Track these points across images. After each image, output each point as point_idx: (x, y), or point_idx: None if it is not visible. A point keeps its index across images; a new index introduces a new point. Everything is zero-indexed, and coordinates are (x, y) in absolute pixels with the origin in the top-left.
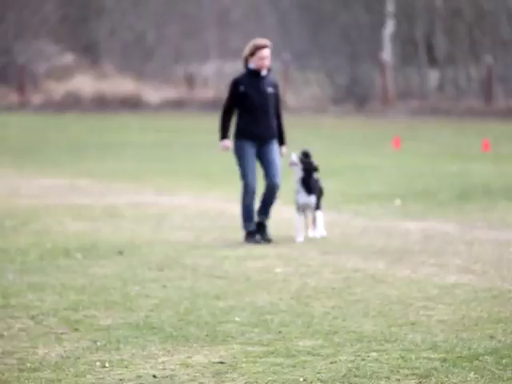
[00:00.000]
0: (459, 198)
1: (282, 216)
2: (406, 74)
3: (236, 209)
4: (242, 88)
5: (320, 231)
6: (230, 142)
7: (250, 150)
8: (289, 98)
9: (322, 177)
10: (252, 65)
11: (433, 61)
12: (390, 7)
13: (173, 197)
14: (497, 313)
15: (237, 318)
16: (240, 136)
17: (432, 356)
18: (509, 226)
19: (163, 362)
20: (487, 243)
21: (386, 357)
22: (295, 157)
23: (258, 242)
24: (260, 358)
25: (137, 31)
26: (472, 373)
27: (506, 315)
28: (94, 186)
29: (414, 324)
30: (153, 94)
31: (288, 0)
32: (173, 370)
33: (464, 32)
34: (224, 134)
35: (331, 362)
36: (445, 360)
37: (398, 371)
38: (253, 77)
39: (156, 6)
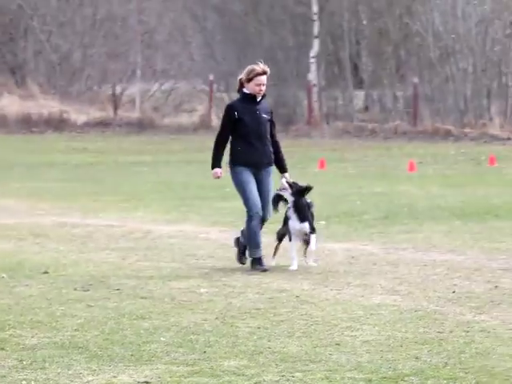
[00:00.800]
0: (384, 219)
1: (208, 236)
2: (332, 95)
3: (162, 228)
4: (236, 114)
5: (311, 258)
6: (221, 170)
7: (249, 176)
8: (213, 119)
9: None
10: (247, 90)
11: (359, 82)
12: (316, 28)
13: (98, 217)
14: (422, 333)
15: (162, 338)
16: (236, 163)
17: (357, 376)
18: (434, 246)
19: (88, 382)
20: (412, 264)
21: (311, 377)
22: (285, 181)
23: (266, 270)
24: (185, 377)
25: (62, 51)
26: None
27: (431, 336)
28: (19, 205)
29: (338, 344)
30: (78, 114)
31: (213, 21)
32: None
33: (390, 53)
34: (216, 164)
35: (256, 382)
36: (370, 380)
37: None
38: (247, 102)
39: (81, 27)
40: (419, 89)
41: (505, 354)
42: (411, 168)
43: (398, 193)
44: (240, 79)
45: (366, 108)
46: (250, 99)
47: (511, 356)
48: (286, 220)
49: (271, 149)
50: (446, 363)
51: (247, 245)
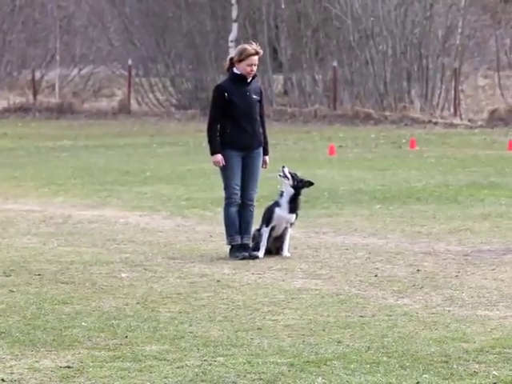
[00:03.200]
0: (305, 203)
1: (128, 221)
2: None
3: (82, 213)
4: (226, 95)
5: (286, 249)
6: (221, 157)
7: (236, 161)
8: (133, 104)
9: (167, 183)
10: (238, 70)
11: (278, 66)
12: (235, 12)
13: (18, 202)
14: (344, 317)
15: (83, 323)
16: (225, 146)
17: (279, 361)
18: (355, 230)
19: (11, 367)
20: (333, 248)
21: (233, 361)
22: (287, 171)
23: (244, 257)
24: (107, 362)
25: None
26: (320, 378)
27: (353, 320)
28: None
29: (260, 329)
30: None
31: (131, 6)
32: (21, 374)
33: (309, 36)
34: (215, 149)
35: (178, 367)
36: (292, 365)
37: (245, 376)
38: (238, 83)
39: (0, 13)
40: (338, 72)
41: (428, 338)
42: (331, 152)
43: (318, 176)
44: (231, 58)
45: (286, 92)
46: (240, 80)
47: (434, 340)
48: (272, 207)
49: (261, 130)
50: (368, 347)
51: (225, 232)
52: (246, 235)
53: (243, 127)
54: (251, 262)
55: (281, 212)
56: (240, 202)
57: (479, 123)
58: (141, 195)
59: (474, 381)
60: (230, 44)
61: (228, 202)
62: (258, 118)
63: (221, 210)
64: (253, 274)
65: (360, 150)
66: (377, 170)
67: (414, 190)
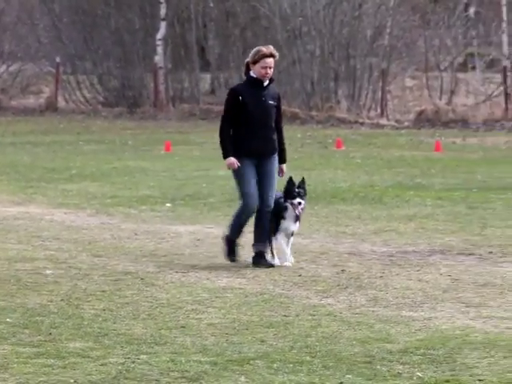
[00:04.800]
0: (230, 202)
1: (53, 218)
2: (179, 78)
3: (8, 210)
4: (241, 99)
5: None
6: (234, 159)
7: (250, 168)
8: (60, 101)
9: (93, 180)
10: (254, 73)
11: (205, 64)
12: (163, 11)
13: None
14: (268, 317)
15: (8, 319)
16: (238, 152)
17: (202, 359)
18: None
19: None
20: None
21: (156, 359)
22: (303, 205)
23: (233, 261)
24: (31, 358)
25: None
26: (243, 377)
27: (276, 319)
28: None
29: (184, 327)
30: None
31: (60, 3)
32: None
33: (237, 35)
34: (228, 152)
35: (101, 364)
36: (215, 363)
37: (168, 374)
38: (253, 87)
39: None
40: None
41: (351, 338)
42: None
43: None
44: (247, 62)
45: (213, 91)
46: (256, 84)
47: (358, 340)
48: (278, 218)
49: (275, 137)
50: (292, 347)
51: (230, 232)
52: (262, 243)
53: (256, 133)
54: (175, 260)
55: (288, 224)
56: (255, 212)
57: (406, 124)
58: (66, 192)
59: (397, 382)
60: (158, 42)
61: (244, 210)
62: (273, 124)
63: (145, 209)
64: (177, 272)
65: (286, 149)
66: (303, 169)
67: (339, 191)
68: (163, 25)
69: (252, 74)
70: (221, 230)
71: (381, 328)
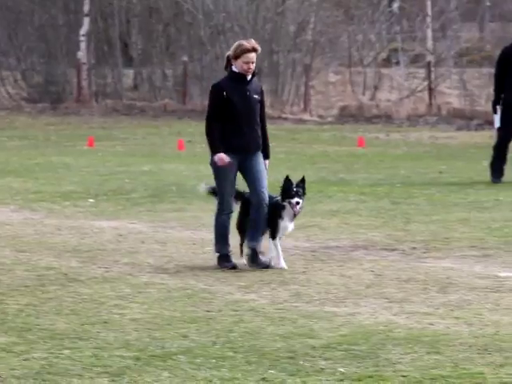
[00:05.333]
0: (153, 197)
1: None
2: (102, 74)
3: None
4: (225, 94)
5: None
6: (225, 155)
7: (232, 166)
8: None
9: (16, 176)
10: (236, 68)
11: (128, 60)
12: (87, 6)
13: None
14: (190, 312)
15: None
16: (222, 149)
17: (125, 354)
18: (203, 225)
19: None
20: (181, 243)
21: (79, 354)
22: (301, 204)
23: (234, 267)
24: None
25: None
26: (165, 372)
27: (199, 315)
28: None
29: (106, 322)
30: None
31: None
32: None
33: (160, 31)
34: (217, 148)
35: (25, 359)
36: (138, 359)
37: (91, 369)
38: (237, 82)
39: None
40: (189, 67)
41: (274, 334)
42: (180, 146)
43: (166, 171)
44: (227, 56)
45: (136, 86)
46: (239, 78)
47: (280, 336)
48: (275, 218)
49: (260, 133)
50: (214, 342)
51: (216, 246)
52: (255, 242)
53: (241, 129)
54: (98, 256)
55: (285, 224)
56: (232, 211)
57: (329, 119)
58: None
59: (320, 377)
60: (82, 38)
61: (220, 209)
62: (258, 119)
63: (69, 204)
64: (100, 267)
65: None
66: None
67: None
68: (86, 21)
69: (234, 68)
70: (144, 225)
71: (304, 323)
